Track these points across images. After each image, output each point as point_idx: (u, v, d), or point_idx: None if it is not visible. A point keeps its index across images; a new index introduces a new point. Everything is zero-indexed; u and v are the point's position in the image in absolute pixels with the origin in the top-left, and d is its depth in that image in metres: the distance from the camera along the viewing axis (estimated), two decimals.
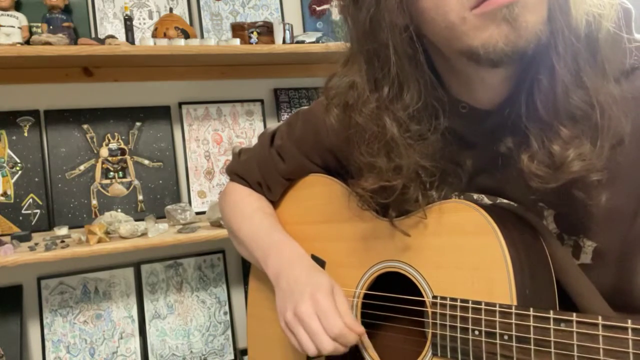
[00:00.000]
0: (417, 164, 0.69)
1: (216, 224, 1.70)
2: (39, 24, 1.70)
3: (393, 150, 0.69)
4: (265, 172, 1.00)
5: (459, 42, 0.60)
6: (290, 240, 0.93)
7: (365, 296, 0.84)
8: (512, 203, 0.71)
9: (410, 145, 0.68)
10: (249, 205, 1.00)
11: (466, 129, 0.72)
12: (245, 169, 1.03)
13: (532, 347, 0.61)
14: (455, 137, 0.72)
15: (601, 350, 0.55)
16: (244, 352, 1.97)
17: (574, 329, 0.57)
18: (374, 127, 0.69)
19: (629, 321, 0.53)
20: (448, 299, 0.70)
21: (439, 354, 0.71)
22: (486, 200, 0.73)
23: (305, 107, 0.99)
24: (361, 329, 0.79)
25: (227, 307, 1.97)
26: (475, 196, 0.74)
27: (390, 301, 0.81)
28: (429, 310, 0.73)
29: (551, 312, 0.59)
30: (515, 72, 0.65)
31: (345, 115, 0.74)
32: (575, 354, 0.57)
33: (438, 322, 0.71)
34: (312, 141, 0.94)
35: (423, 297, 0.74)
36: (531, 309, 0.61)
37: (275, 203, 1.03)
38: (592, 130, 0.60)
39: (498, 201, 0.73)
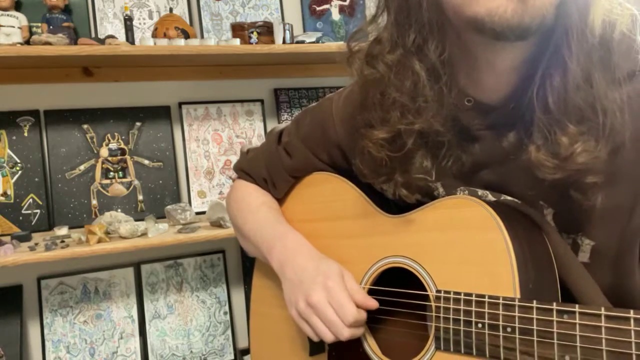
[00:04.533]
0: (429, 124, 0.69)
1: (216, 224, 1.70)
2: (39, 24, 1.70)
3: (415, 97, 0.68)
4: (271, 168, 1.00)
5: (468, 7, 0.60)
6: (293, 231, 0.94)
7: (369, 292, 0.84)
8: (515, 200, 0.72)
9: (424, 107, 0.68)
10: (254, 200, 1.01)
11: (470, 123, 0.73)
12: (251, 166, 1.04)
13: (535, 338, 0.61)
14: (459, 130, 0.73)
15: (603, 341, 0.55)
16: (244, 352, 1.97)
17: (577, 321, 0.58)
18: (397, 73, 0.68)
19: (632, 311, 0.54)
20: (452, 292, 0.70)
21: (442, 348, 0.71)
22: (490, 197, 0.74)
23: (313, 104, 0.99)
24: (373, 302, 0.80)
25: (227, 307, 1.97)
26: (480, 192, 0.75)
27: (394, 296, 0.82)
28: (433, 304, 0.73)
29: (554, 303, 0.60)
30: (523, 63, 0.65)
31: (367, 67, 0.73)
32: (578, 344, 0.57)
33: (441, 315, 0.71)
34: (319, 137, 0.94)
35: (427, 291, 0.74)
36: (534, 301, 0.61)
37: (280, 200, 1.03)
38: (596, 130, 0.60)
39: (502, 198, 0.73)
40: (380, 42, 0.71)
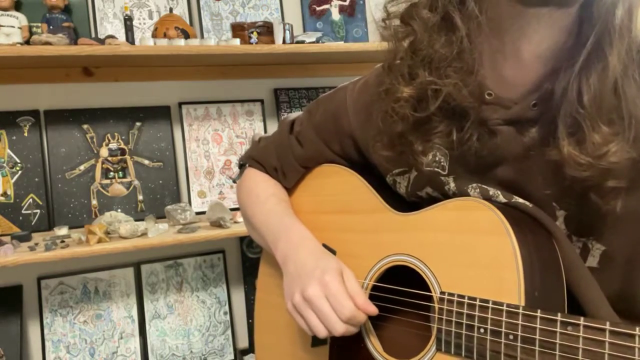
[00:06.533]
0: (457, 88, 0.67)
1: (216, 224, 1.70)
2: (39, 24, 1.70)
3: (449, 52, 0.66)
4: (282, 157, 1.00)
5: None
6: (300, 225, 0.93)
7: (373, 288, 0.84)
8: (527, 203, 0.71)
9: (457, 62, 0.67)
10: (264, 191, 1.00)
11: (489, 117, 0.71)
12: (262, 154, 1.03)
13: (537, 348, 0.60)
14: (479, 123, 0.72)
15: (606, 356, 0.55)
16: (244, 352, 1.98)
17: (581, 334, 0.57)
18: (434, 28, 0.67)
19: (637, 328, 0.53)
20: (456, 295, 0.70)
21: (442, 350, 0.71)
22: (501, 197, 0.73)
23: (326, 94, 0.98)
24: (373, 309, 0.79)
25: (227, 307, 1.97)
26: (491, 192, 0.74)
27: (398, 294, 0.82)
28: (436, 305, 0.73)
29: (559, 314, 0.59)
30: (548, 51, 0.65)
31: (402, 26, 0.72)
32: (580, 358, 0.57)
33: (444, 317, 0.71)
34: (332, 127, 0.93)
35: (431, 292, 0.74)
36: (539, 311, 0.61)
37: (290, 191, 1.03)
38: (622, 134, 0.60)
39: (513, 200, 0.72)
40: (416, 4, 0.69)
